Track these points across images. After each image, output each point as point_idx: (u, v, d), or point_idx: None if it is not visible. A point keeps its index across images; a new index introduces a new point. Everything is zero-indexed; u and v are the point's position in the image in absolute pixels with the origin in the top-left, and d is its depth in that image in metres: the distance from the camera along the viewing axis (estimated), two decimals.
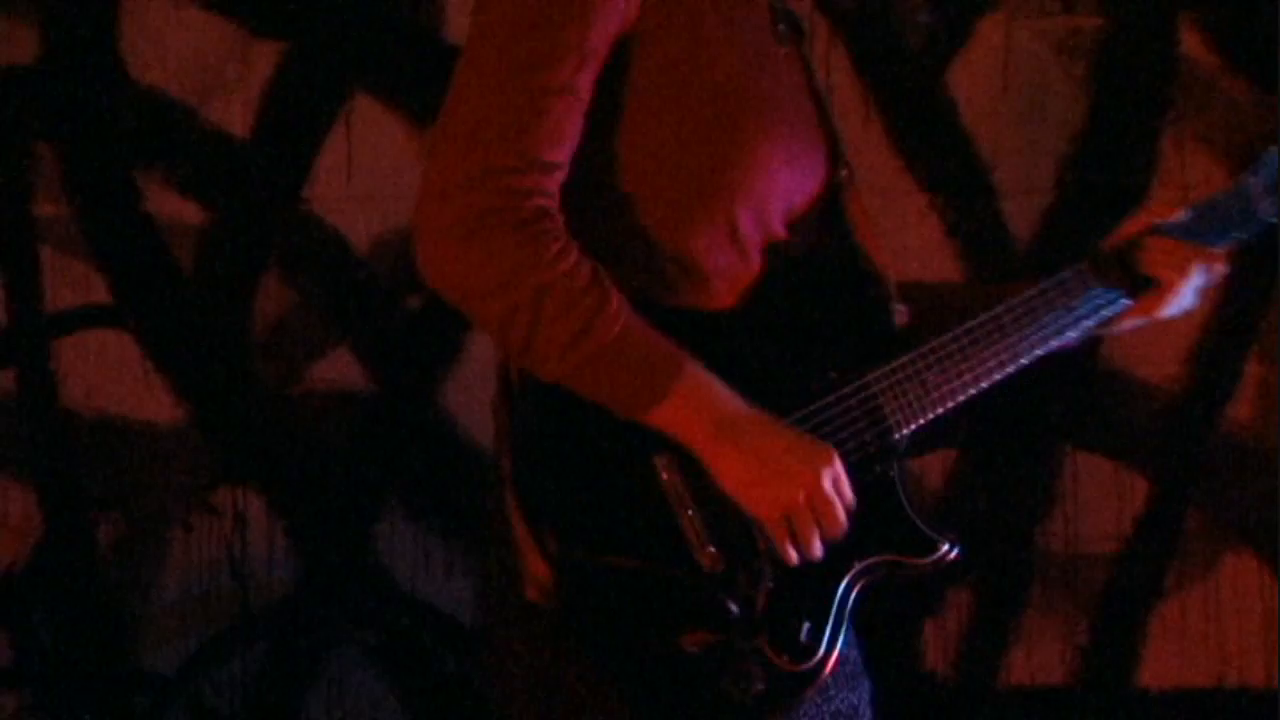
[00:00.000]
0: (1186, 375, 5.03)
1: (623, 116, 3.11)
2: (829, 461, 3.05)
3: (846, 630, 3.09)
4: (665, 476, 3.02)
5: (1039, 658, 5.11)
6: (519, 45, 3.01)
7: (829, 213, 3.28)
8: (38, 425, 5.42)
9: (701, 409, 3.02)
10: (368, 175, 5.25)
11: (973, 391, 3.26)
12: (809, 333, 3.22)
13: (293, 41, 5.28)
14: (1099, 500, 5.04)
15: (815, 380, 3.17)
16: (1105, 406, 5.08)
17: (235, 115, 5.30)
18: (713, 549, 3.01)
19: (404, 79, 5.25)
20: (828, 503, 3.04)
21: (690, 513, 3.02)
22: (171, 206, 5.29)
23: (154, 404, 5.36)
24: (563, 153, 3.03)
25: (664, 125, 3.11)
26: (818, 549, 3.04)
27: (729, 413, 3.03)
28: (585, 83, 3.03)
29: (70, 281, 5.36)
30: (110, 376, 5.38)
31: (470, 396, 5.22)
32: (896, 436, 3.17)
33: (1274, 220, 3.54)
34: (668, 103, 3.11)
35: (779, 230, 3.18)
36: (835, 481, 3.07)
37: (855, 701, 3.15)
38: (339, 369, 5.28)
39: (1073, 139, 4.97)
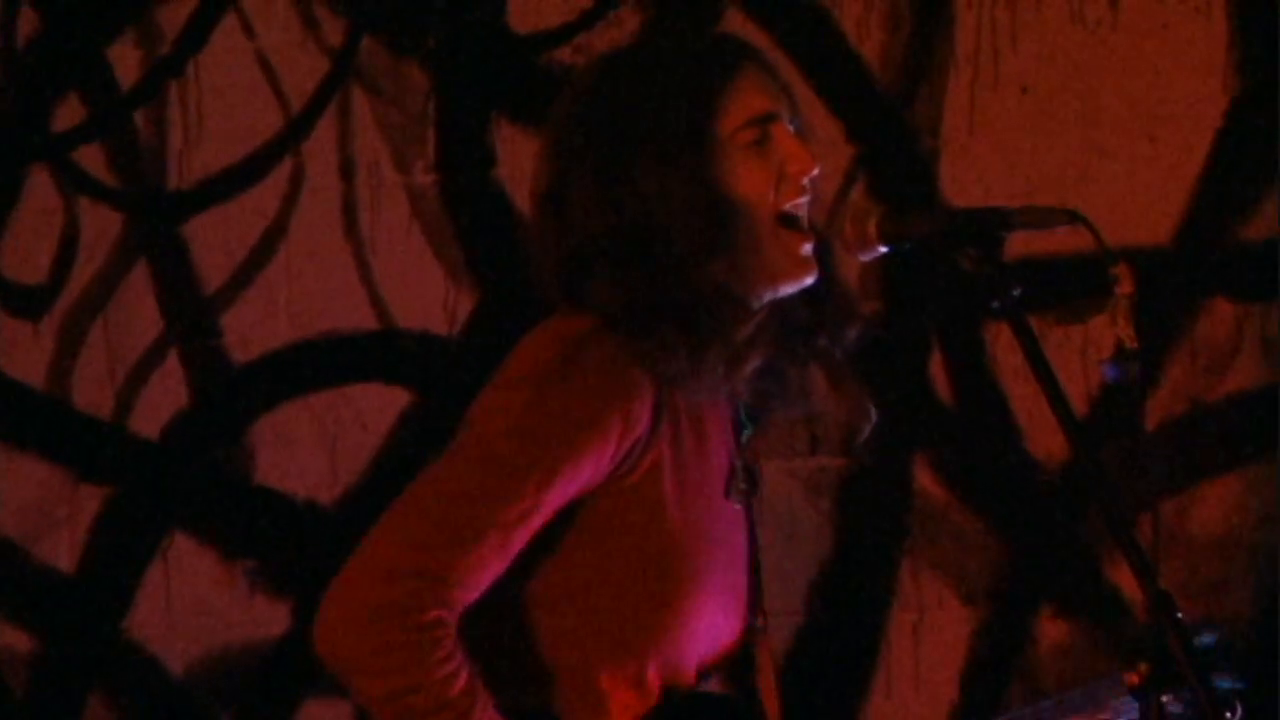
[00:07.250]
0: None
1: (554, 552, 3.14)
2: None
3: None
4: None
5: None
6: (485, 475, 3.08)
7: (739, 659, 3.33)
8: None
9: None
10: (183, 605, 5.34)
11: None
12: None
13: (116, 486, 5.41)
14: None
15: None
16: None
17: (63, 552, 5.39)
18: None
19: (216, 520, 5.38)
20: None
21: None
22: (4, 637, 5.38)
23: None
24: (482, 579, 3.09)
25: (593, 572, 3.15)
26: None
27: None
28: (527, 529, 3.10)
29: None
30: None
31: None
32: None
33: None
34: (604, 554, 3.16)
35: (688, 675, 3.22)
36: None
37: None
38: None
39: (820, 565, 5.10)
